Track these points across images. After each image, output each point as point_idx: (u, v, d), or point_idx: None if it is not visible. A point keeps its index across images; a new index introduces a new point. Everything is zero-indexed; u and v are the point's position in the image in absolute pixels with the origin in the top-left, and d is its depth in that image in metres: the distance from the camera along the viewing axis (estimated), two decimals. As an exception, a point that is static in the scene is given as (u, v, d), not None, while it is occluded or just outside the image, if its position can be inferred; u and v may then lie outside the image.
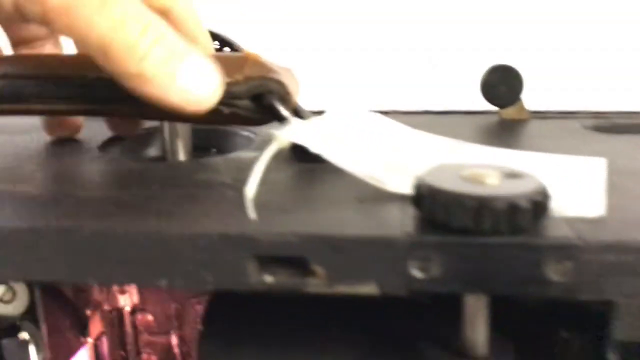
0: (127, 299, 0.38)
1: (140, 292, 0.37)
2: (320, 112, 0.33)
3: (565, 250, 0.22)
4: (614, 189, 0.25)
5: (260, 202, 0.26)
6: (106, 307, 0.38)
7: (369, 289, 0.23)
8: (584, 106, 0.43)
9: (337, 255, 0.23)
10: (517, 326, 0.28)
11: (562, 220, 0.23)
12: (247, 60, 0.30)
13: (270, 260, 0.23)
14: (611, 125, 0.40)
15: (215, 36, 0.41)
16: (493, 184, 0.23)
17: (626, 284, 0.22)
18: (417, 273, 0.23)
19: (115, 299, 0.37)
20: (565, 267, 0.22)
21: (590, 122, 0.41)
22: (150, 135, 0.40)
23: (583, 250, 0.22)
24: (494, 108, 0.42)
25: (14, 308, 0.31)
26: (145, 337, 0.39)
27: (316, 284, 0.23)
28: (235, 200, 0.27)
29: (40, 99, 0.31)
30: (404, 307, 0.28)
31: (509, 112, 0.42)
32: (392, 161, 0.29)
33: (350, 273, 0.23)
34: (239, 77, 0.29)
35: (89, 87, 0.30)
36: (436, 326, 0.27)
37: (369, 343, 0.28)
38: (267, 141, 0.37)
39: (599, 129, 0.40)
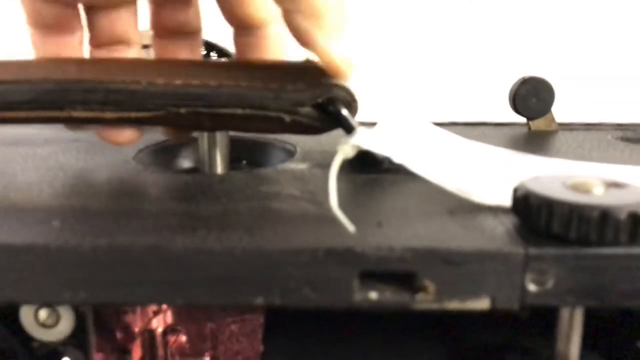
0: (160, 320, 0.35)
1: (175, 312, 0.35)
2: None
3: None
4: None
5: (347, 215, 0.25)
6: (137, 328, 0.35)
7: (480, 304, 0.22)
8: (606, 118, 0.43)
9: (449, 270, 0.22)
10: (596, 338, 0.28)
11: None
12: (309, 68, 0.29)
13: (374, 276, 0.22)
14: (639, 137, 0.41)
15: (211, 46, 0.39)
16: (600, 194, 0.23)
17: None
18: (532, 287, 0.22)
19: (147, 320, 0.35)
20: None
21: (617, 133, 0.42)
22: (181, 146, 0.38)
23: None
24: (522, 120, 0.42)
25: (57, 333, 0.28)
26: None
27: (425, 300, 0.22)
28: (317, 212, 0.26)
29: (85, 106, 0.28)
30: (490, 320, 0.27)
31: (538, 124, 0.42)
32: (468, 172, 0.28)
33: (463, 288, 0.22)
34: (301, 84, 0.28)
35: (142, 94, 0.28)
36: (526, 339, 0.27)
37: (452, 357, 0.27)
38: (309, 152, 0.36)
39: (628, 139, 0.40)
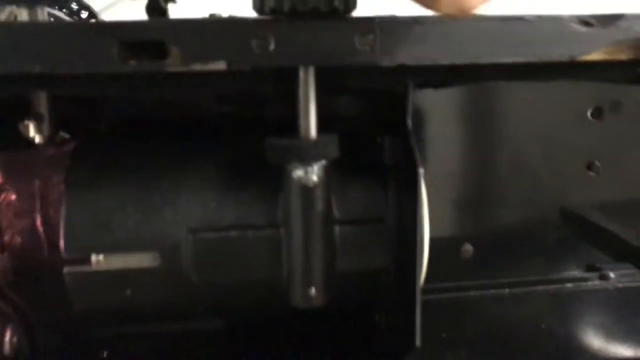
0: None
1: (4, 170, 0.38)
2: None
3: (367, 25, 0.28)
4: None
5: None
6: (-34, 187, 0.38)
7: (219, 65, 0.28)
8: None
9: (192, 38, 0.27)
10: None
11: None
12: None
13: (132, 46, 0.27)
14: None
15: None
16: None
17: (416, 50, 0.29)
18: (257, 50, 0.28)
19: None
20: (369, 39, 0.28)
21: None
22: None
23: (381, 25, 0.28)
24: None
25: None
26: (8, 217, 0.39)
27: (173, 64, 0.28)
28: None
29: None
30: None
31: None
32: None
33: (203, 53, 0.28)
34: None
35: None
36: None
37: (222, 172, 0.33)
38: None
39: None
